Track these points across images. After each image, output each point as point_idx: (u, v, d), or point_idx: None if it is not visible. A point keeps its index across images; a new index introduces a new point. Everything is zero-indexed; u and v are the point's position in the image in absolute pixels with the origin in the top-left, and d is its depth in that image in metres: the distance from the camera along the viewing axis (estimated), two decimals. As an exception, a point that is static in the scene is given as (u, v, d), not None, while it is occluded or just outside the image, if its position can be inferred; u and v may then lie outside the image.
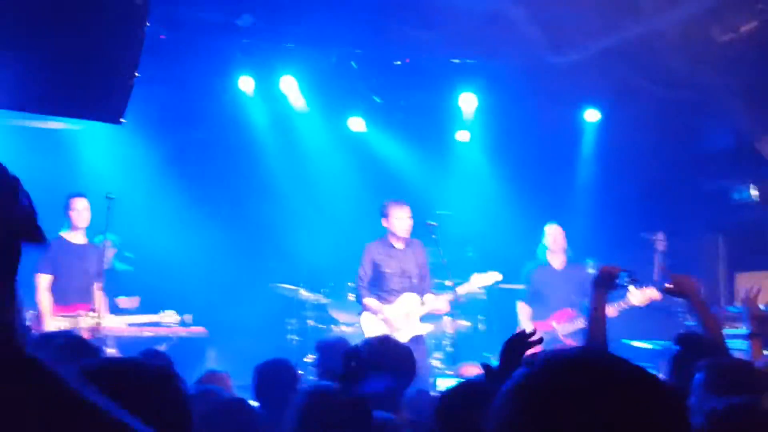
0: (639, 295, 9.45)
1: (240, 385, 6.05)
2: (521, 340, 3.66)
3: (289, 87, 11.81)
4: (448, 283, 9.95)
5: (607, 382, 1.39)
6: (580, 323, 9.61)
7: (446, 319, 10.30)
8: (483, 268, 10.16)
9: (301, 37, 10.62)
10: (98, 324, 8.88)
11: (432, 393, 6.03)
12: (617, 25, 9.66)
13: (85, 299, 9.15)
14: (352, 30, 10.34)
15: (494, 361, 3.63)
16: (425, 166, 12.65)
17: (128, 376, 2.16)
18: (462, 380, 4.40)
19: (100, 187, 9.42)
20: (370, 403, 4.03)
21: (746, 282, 9.94)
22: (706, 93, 10.43)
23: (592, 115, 12.29)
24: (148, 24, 3.81)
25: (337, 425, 3.67)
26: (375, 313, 9.71)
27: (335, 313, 11.24)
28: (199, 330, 10.13)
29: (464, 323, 11.03)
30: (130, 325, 9.58)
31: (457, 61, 11.39)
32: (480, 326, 11.28)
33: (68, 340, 4.19)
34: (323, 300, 11.32)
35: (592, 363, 1.43)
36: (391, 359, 5.17)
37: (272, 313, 11.64)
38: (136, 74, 3.77)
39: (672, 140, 11.44)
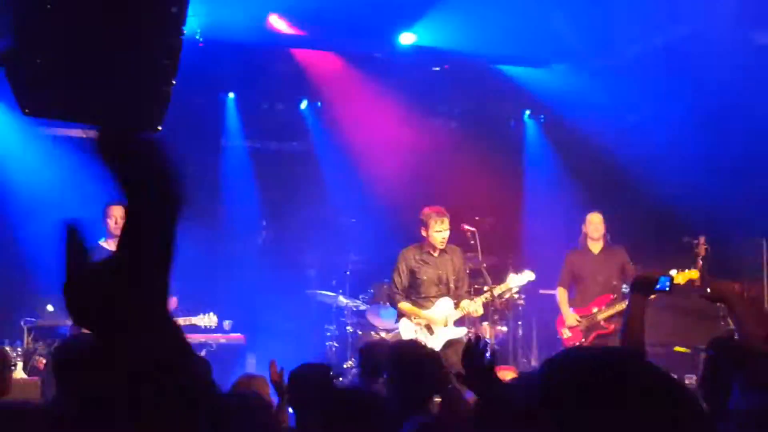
0: (679, 277, 9.42)
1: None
2: (476, 346, 3.75)
3: (326, 97, 11.92)
4: (486, 288, 9.94)
5: (621, 380, 1.38)
6: (621, 307, 9.61)
7: (484, 324, 10.29)
8: (520, 271, 10.17)
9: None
10: None
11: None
12: (655, 29, 9.61)
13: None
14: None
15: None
16: (466, 171, 12.61)
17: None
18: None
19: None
20: (400, 409, 4.03)
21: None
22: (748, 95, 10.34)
23: (630, 118, 12.21)
24: (184, 32, 3.81)
25: (360, 426, 3.67)
26: (411, 317, 9.70)
27: (374, 320, 11.23)
28: (237, 337, 10.17)
29: (502, 329, 11.00)
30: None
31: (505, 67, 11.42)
32: (518, 332, 11.24)
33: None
34: (362, 306, 11.33)
35: (609, 362, 1.42)
36: (416, 366, 5.16)
37: (311, 319, 11.67)
38: (173, 82, 3.78)
39: (715, 143, 11.34)
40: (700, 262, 9.57)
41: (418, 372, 5.14)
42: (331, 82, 11.76)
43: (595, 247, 10.62)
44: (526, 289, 10.48)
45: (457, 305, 9.70)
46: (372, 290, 11.49)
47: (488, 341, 4.80)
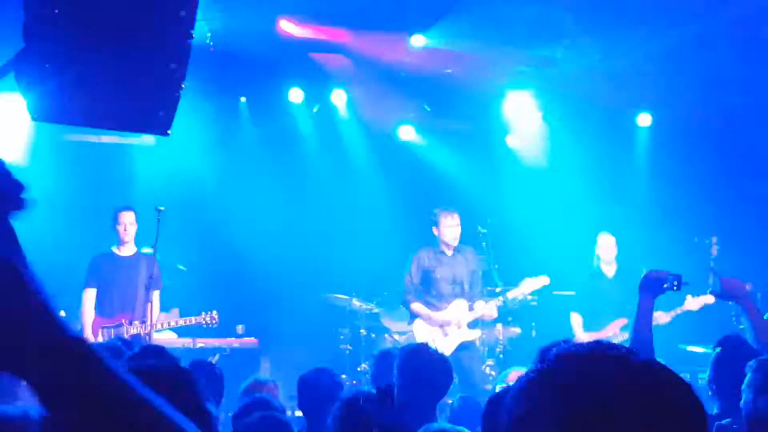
0: (693, 302, 9.45)
1: (292, 395, 6.05)
2: None
3: (339, 98, 11.90)
4: (498, 290, 9.95)
5: (620, 374, 1.37)
6: None
7: (498, 326, 10.28)
8: (534, 275, 10.13)
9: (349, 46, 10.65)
10: (142, 333, 8.89)
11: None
12: (667, 28, 9.57)
13: (131, 309, 9.18)
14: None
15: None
16: (477, 174, 12.59)
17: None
18: (509, 386, 4.36)
19: (150, 200, 9.50)
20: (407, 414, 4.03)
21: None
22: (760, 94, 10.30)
23: (644, 119, 12.17)
24: (193, 36, 3.81)
25: (367, 429, 3.67)
26: (424, 318, 9.69)
27: (387, 322, 11.22)
28: (250, 341, 10.17)
29: (516, 330, 10.98)
30: (180, 334, 9.57)
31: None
32: (532, 333, 11.20)
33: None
34: (375, 309, 11.31)
35: (605, 356, 1.41)
36: (426, 370, 5.16)
37: (325, 322, 11.66)
38: (183, 86, 3.78)
39: (727, 142, 11.30)
40: (712, 263, 9.55)
41: (427, 376, 5.13)
42: (347, 80, 11.75)
43: (609, 269, 10.53)
44: (539, 290, 10.44)
45: (471, 307, 9.70)
46: (386, 293, 11.48)
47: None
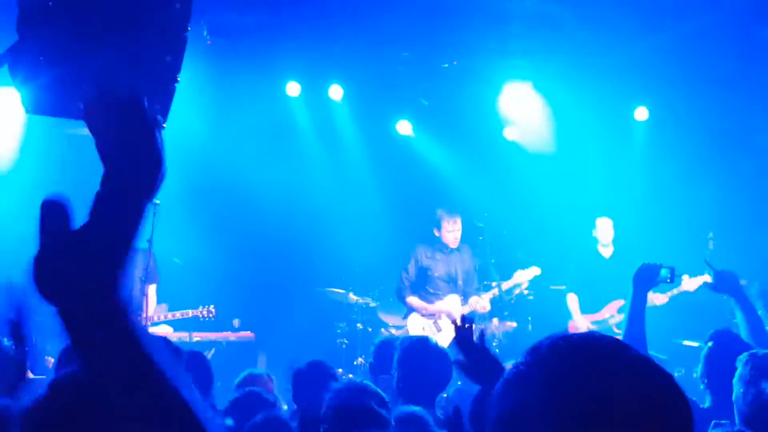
0: (690, 282, 9.44)
1: (287, 388, 6.05)
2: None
3: (337, 93, 11.87)
4: (494, 284, 9.98)
5: (609, 365, 1.37)
6: None
7: (494, 320, 10.29)
8: (528, 266, 10.18)
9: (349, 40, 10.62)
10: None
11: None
12: (664, 23, 9.57)
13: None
14: (399, 33, 10.34)
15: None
16: (474, 168, 12.59)
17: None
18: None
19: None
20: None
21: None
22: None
23: (641, 113, 12.16)
24: (189, 28, 3.78)
25: (359, 421, 3.66)
26: (419, 311, 9.71)
27: (384, 317, 11.23)
28: (247, 335, 10.16)
29: (512, 324, 10.99)
30: (176, 328, 9.54)
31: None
32: (528, 327, 11.21)
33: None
34: (372, 303, 11.31)
35: (595, 347, 1.41)
36: (426, 363, 5.16)
37: (322, 316, 11.66)
38: (178, 79, 3.75)
39: (723, 136, 11.30)
40: (708, 256, 9.56)
41: (427, 369, 5.14)
42: (355, 75, 11.75)
43: (606, 251, 10.56)
44: (535, 285, 10.47)
45: (464, 302, 9.72)
46: (382, 287, 11.48)
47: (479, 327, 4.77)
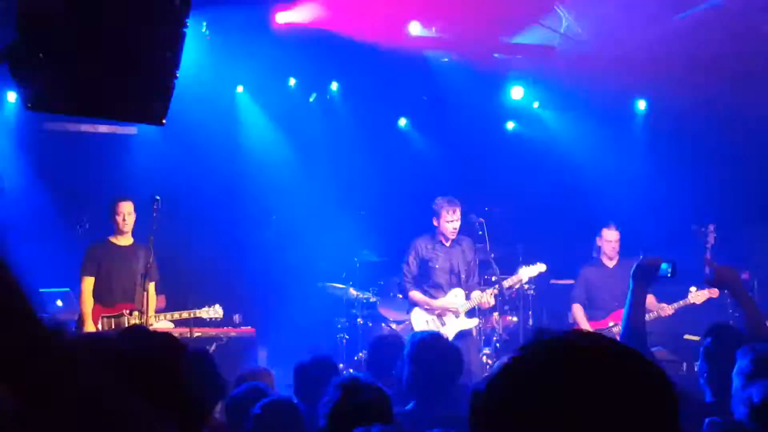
0: (697, 295, 9.45)
1: (289, 384, 6.06)
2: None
3: (336, 88, 11.90)
4: (494, 278, 9.97)
5: (594, 361, 1.39)
6: (646, 318, 9.58)
7: (495, 315, 10.30)
8: (531, 263, 10.15)
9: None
10: (142, 323, 8.84)
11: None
12: (662, 15, 9.57)
13: (130, 299, 9.15)
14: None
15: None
16: (474, 162, 12.60)
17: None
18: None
19: (149, 189, 9.48)
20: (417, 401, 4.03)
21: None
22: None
23: (640, 107, 12.16)
24: (187, 24, 3.78)
25: (362, 416, 3.67)
26: (422, 306, 9.71)
27: (384, 311, 11.24)
28: (247, 330, 10.15)
29: (513, 319, 11.00)
30: (176, 324, 9.51)
31: (497, 55, 11.36)
32: (529, 322, 11.22)
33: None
34: (372, 298, 11.32)
35: (581, 344, 1.42)
36: (436, 358, 5.15)
37: (322, 312, 11.66)
38: (177, 74, 3.75)
39: (723, 129, 11.30)
40: (708, 251, 9.56)
41: (437, 364, 5.13)
42: (344, 70, 11.74)
43: (611, 261, 10.50)
44: (536, 279, 10.45)
45: (468, 296, 9.72)
46: (382, 282, 11.49)
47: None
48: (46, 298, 9.82)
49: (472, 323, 9.78)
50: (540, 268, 10.04)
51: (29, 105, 3.89)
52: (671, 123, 11.78)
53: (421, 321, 9.67)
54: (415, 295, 9.76)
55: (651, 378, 1.38)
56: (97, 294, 9.19)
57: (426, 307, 9.70)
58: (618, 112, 12.16)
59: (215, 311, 9.52)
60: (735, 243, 10.42)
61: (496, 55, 11.38)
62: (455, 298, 9.72)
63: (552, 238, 11.65)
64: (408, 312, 10.00)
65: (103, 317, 9.08)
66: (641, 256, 10.31)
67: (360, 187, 12.43)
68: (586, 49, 10.50)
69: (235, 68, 11.41)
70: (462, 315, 9.69)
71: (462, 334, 9.45)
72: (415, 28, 10.78)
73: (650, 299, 9.87)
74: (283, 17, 10.24)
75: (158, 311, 9.51)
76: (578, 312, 10.38)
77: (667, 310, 9.72)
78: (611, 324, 10.03)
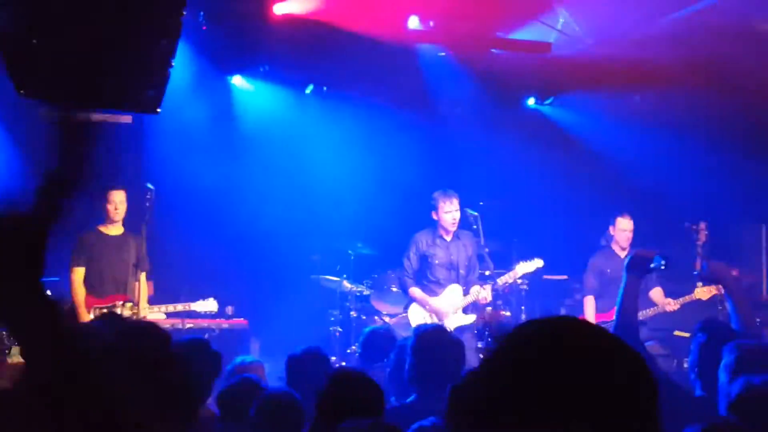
0: (704, 291, 9.43)
1: (281, 376, 6.06)
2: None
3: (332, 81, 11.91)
4: (487, 272, 9.98)
5: (571, 347, 1.40)
6: (650, 312, 9.61)
7: (488, 309, 10.29)
8: (527, 257, 10.14)
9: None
10: (135, 314, 8.84)
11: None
12: (652, 12, 9.59)
13: (122, 290, 9.12)
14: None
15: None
16: (470, 155, 12.59)
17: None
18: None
19: (143, 178, 9.47)
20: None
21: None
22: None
23: (634, 101, 12.17)
24: (184, 13, 3.80)
25: (353, 408, 3.67)
26: (421, 303, 9.72)
27: (378, 304, 11.23)
28: (240, 322, 10.16)
29: (505, 313, 11.00)
30: (169, 315, 9.51)
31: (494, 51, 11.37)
32: (522, 317, 11.22)
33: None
34: (366, 291, 11.32)
35: (558, 330, 1.43)
36: (441, 353, 5.16)
37: (315, 304, 11.67)
38: (172, 64, 3.76)
39: (714, 128, 11.31)
40: (700, 248, 9.56)
41: (442, 359, 5.13)
42: (337, 65, 11.72)
43: (623, 251, 10.30)
44: (529, 274, 10.43)
45: (466, 292, 9.73)
46: (376, 275, 11.48)
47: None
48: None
49: (470, 319, 9.80)
50: (537, 263, 10.03)
51: (23, 92, 3.89)
52: (665, 120, 11.77)
53: (418, 316, 9.69)
54: (415, 292, 9.78)
55: (627, 364, 1.39)
56: (88, 284, 9.17)
57: (424, 306, 9.73)
58: (612, 108, 12.15)
59: (209, 305, 9.51)
60: (725, 241, 10.43)
61: (493, 50, 11.35)
62: (452, 294, 9.72)
63: (545, 234, 11.65)
64: (406, 308, 10.00)
65: (95, 308, 9.06)
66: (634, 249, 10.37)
67: (356, 178, 12.40)
68: (583, 46, 10.51)
69: (230, 58, 11.39)
70: (459, 311, 9.72)
71: (460, 330, 9.46)
72: (413, 22, 10.78)
73: (658, 293, 9.89)
74: (280, 8, 10.22)
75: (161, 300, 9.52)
76: (590, 307, 10.26)
77: (673, 305, 9.72)
78: None
